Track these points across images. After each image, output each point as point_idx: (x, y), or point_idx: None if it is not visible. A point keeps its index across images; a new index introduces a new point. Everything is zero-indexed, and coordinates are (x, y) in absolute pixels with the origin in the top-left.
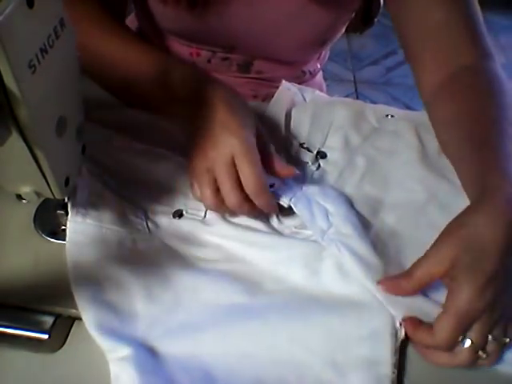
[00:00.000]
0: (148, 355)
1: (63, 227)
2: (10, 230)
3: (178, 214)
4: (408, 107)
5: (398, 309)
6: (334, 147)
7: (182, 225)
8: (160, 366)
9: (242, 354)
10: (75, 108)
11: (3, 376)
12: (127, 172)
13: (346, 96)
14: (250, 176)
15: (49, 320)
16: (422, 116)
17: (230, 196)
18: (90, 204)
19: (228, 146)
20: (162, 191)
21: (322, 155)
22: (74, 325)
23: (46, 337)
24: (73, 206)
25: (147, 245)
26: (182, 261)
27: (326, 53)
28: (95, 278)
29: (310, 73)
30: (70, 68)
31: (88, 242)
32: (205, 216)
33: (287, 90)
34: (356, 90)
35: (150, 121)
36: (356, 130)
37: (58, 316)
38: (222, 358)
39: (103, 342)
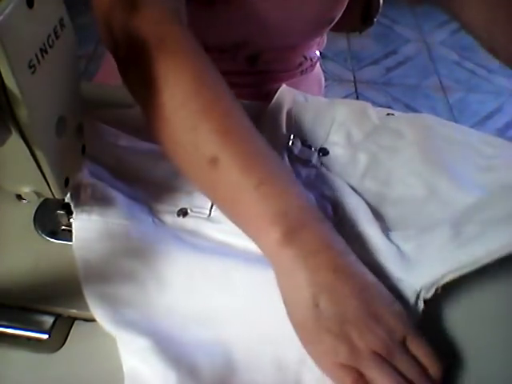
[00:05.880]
0: (168, 343)
1: (63, 227)
2: (10, 229)
3: (183, 213)
4: (408, 107)
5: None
6: (336, 143)
7: (187, 223)
8: (180, 352)
9: (262, 335)
10: (75, 108)
11: (3, 376)
12: (130, 171)
13: (346, 96)
14: (431, 360)
15: (49, 320)
16: (422, 117)
17: None
18: (94, 201)
19: (401, 330)
20: (165, 190)
21: (324, 152)
22: (74, 325)
23: (45, 337)
24: (77, 204)
25: (155, 236)
26: (192, 246)
27: (324, 38)
28: (106, 274)
29: (311, 59)
30: (70, 68)
31: (95, 238)
32: (209, 214)
33: (288, 90)
34: (356, 90)
35: None
36: (358, 126)
37: (58, 316)
38: (242, 340)
39: (121, 335)
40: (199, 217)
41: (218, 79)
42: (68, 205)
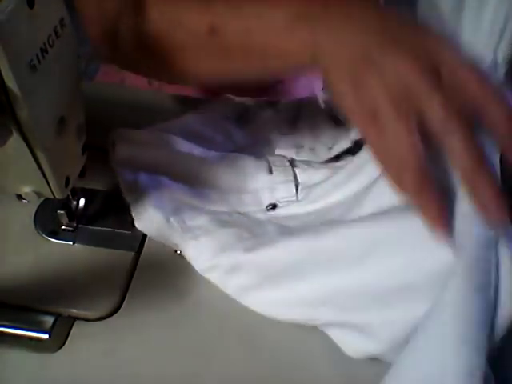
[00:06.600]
0: None
1: (63, 227)
2: (10, 230)
3: (272, 206)
4: None
5: None
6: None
7: (279, 212)
8: None
9: None
10: (75, 108)
11: (3, 376)
12: (205, 181)
13: None
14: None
15: (49, 320)
16: None
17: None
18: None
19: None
20: (248, 194)
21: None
22: (74, 325)
23: (46, 337)
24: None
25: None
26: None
27: None
28: None
29: None
30: (71, 68)
31: None
32: (297, 196)
33: None
34: None
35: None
36: None
37: (58, 316)
38: None
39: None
40: (288, 205)
41: None
42: (68, 205)
